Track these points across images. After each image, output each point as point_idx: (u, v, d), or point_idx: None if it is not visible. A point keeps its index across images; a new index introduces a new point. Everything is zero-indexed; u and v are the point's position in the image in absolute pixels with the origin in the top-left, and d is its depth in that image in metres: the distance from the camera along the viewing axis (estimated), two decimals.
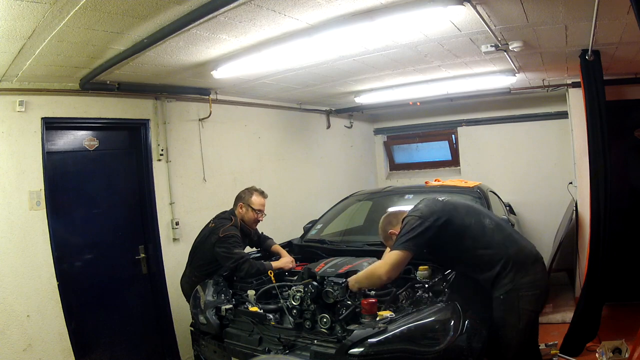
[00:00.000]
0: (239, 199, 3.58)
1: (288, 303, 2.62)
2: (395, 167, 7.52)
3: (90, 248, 3.64)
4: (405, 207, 4.31)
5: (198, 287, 3.18)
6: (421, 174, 7.03)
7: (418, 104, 6.00)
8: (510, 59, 3.69)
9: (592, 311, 3.66)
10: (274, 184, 5.27)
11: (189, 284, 3.38)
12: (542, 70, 4.38)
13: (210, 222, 3.47)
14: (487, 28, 2.79)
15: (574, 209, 4.64)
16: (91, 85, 3.36)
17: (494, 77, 4.41)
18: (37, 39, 2.41)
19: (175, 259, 4.03)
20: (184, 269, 3.55)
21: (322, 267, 2.99)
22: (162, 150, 4.08)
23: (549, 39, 3.22)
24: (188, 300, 3.30)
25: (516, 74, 4.32)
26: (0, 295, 3.00)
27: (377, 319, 2.38)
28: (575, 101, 4.59)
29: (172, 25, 2.36)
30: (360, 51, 3.31)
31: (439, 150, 7.07)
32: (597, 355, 3.54)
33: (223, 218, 3.45)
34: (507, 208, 5.14)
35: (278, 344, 2.43)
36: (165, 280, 3.96)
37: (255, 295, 2.93)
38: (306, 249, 3.74)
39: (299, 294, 2.76)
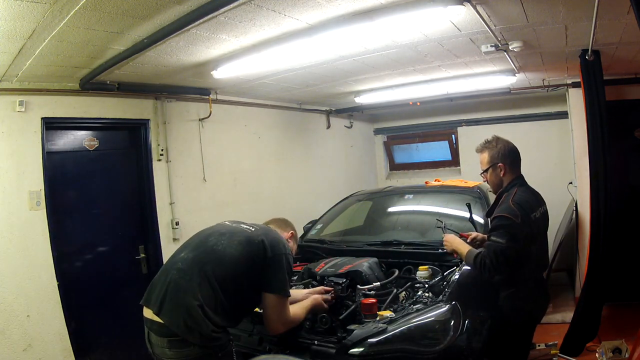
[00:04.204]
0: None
1: None
2: (395, 167, 7.52)
3: (90, 248, 3.64)
4: (405, 207, 4.34)
5: None
6: (421, 174, 7.03)
7: (418, 104, 6.00)
8: (510, 59, 3.69)
9: (592, 311, 3.66)
10: (274, 184, 5.28)
11: None
12: (542, 70, 4.38)
13: None
14: (487, 28, 2.79)
15: (574, 209, 4.64)
16: (91, 85, 3.36)
17: (494, 77, 4.41)
18: (37, 39, 2.41)
19: None
20: None
21: (322, 267, 2.99)
22: (162, 150, 4.08)
23: (549, 39, 3.22)
24: None
25: (516, 74, 4.32)
26: (0, 295, 3.00)
27: (377, 319, 2.38)
28: (575, 101, 4.59)
29: (172, 25, 2.36)
30: (360, 51, 3.31)
31: (439, 150, 7.07)
32: (597, 355, 3.54)
33: None
34: None
35: (278, 344, 2.43)
36: None
37: None
38: (306, 249, 3.73)
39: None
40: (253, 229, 2.27)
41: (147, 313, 2.10)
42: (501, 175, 2.60)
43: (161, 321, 2.01)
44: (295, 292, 2.49)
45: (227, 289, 2.06)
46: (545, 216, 2.58)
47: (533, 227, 2.40)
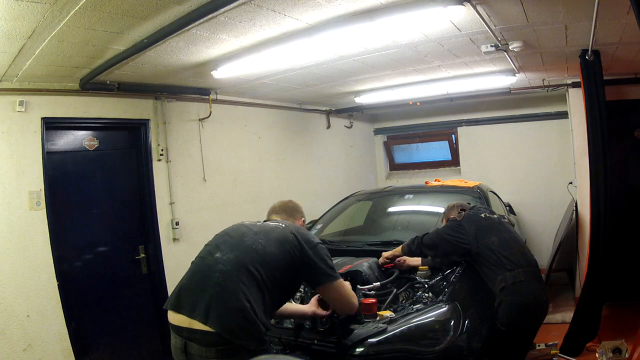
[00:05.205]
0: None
1: None
2: (395, 167, 7.52)
3: (90, 248, 3.64)
4: (405, 207, 4.35)
5: None
6: (421, 174, 7.03)
7: (418, 104, 6.00)
8: (510, 59, 3.69)
9: (592, 311, 3.66)
10: (274, 184, 5.28)
11: None
12: (542, 70, 4.38)
13: None
14: (487, 28, 2.79)
15: (574, 209, 4.64)
16: (91, 85, 3.36)
17: (494, 77, 4.41)
18: (37, 39, 2.41)
19: (175, 259, 4.03)
20: None
21: None
22: (162, 150, 4.08)
23: (549, 39, 3.22)
24: None
25: (516, 74, 4.32)
26: (0, 295, 3.00)
27: (377, 319, 2.38)
28: (575, 101, 4.59)
29: (172, 25, 2.37)
30: (360, 51, 3.31)
31: (439, 150, 7.07)
32: (597, 355, 3.54)
33: None
34: (507, 208, 5.14)
35: (278, 344, 2.43)
36: (165, 280, 3.95)
37: None
38: None
39: (299, 293, 2.76)
40: (283, 225, 2.20)
41: (182, 321, 1.92)
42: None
43: (209, 329, 1.83)
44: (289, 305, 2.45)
45: (271, 288, 1.99)
46: None
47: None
